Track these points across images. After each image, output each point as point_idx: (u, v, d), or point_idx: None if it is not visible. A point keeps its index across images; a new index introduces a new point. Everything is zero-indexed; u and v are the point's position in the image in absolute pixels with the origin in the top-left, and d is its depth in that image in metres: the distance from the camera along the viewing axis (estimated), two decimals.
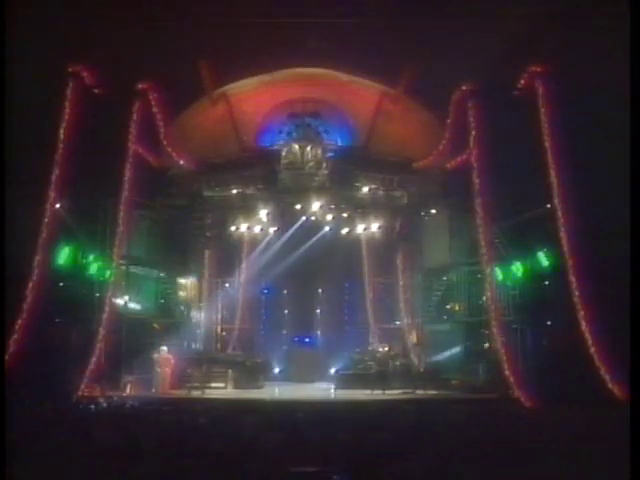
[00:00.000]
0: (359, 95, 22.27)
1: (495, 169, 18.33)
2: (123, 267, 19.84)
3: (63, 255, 19.06)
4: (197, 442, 9.33)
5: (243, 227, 24.05)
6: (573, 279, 17.43)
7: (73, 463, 8.36)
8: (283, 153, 20.93)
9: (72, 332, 18.63)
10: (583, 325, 17.08)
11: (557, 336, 17.96)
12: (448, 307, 22.59)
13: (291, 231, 22.72)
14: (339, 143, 21.82)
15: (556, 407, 13.94)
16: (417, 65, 20.19)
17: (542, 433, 10.26)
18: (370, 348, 23.50)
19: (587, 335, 16.97)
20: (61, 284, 19.10)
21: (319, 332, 24.96)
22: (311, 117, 21.34)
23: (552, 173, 18.17)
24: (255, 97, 22.15)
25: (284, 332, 24.95)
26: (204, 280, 24.41)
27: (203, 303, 24.22)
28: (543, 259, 19.51)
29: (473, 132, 19.31)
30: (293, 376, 22.41)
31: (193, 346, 22.88)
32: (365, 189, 22.02)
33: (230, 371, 20.54)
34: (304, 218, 22.47)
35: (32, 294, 17.57)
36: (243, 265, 24.47)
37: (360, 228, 24.59)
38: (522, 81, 19.10)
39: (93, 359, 17.70)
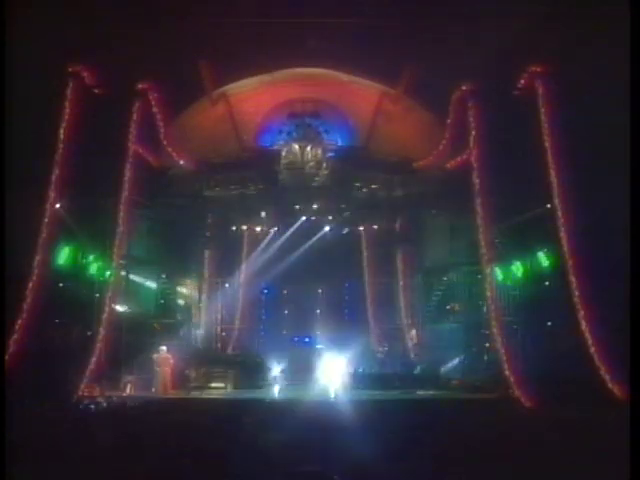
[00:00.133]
0: (359, 95, 22.27)
1: (495, 169, 18.31)
2: (123, 267, 19.83)
3: (63, 255, 19.05)
4: (197, 442, 9.33)
5: (243, 227, 24.11)
6: (573, 279, 17.42)
7: (73, 463, 8.36)
8: (283, 153, 20.93)
9: (72, 332, 18.63)
10: (583, 325, 17.06)
11: (557, 336, 17.94)
12: (448, 307, 22.58)
13: (291, 231, 22.72)
14: (339, 143, 21.83)
15: (556, 407, 13.94)
16: (417, 65, 20.19)
17: (542, 433, 10.26)
18: (370, 348, 23.51)
19: (587, 335, 16.96)
20: (61, 284, 19.08)
21: (319, 332, 24.94)
22: (311, 117, 21.36)
23: (552, 173, 18.15)
24: (255, 97, 22.15)
25: (284, 332, 24.94)
26: (204, 280, 24.42)
27: (203, 303, 24.22)
28: (543, 259, 19.50)
29: (473, 132, 19.30)
30: (293, 376, 22.36)
31: (193, 346, 22.87)
32: (365, 189, 22.01)
33: (230, 371, 20.54)
34: (304, 218, 22.46)
35: (32, 294, 17.55)
36: (243, 265, 24.47)
37: (360, 228, 24.65)
38: (522, 81, 19.08)
39: (93, 359, 17.68)
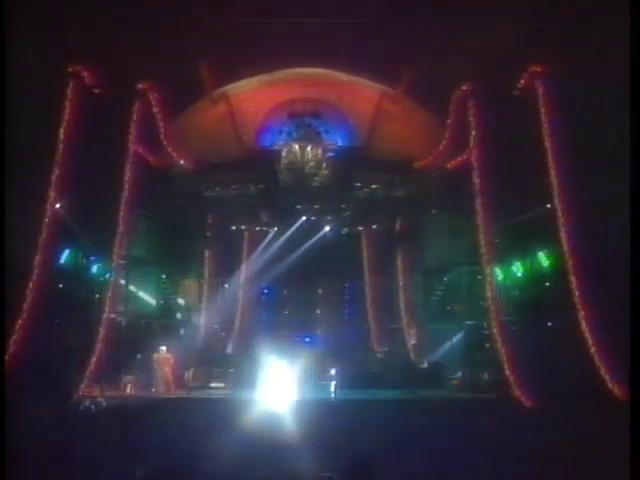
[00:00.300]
0: (359, 95, 22.26)
1: (495, 169, 18.32)
2: (123, 267, 19.82)
3: (63, 255, 19.05)
4: (197, 442, 9.33)
5: (243, 227, 24.08)
6: (573, 279, 17.43)
7: (73, 463, 8.36)
8: (283, 153, 20.91)
9: (72, 332, 18.62)
10: (583, 325, 17.07)
11: (557, 336, 17.94)
12: (448, 307, 22.58)
13: (291, 231, 22.70)
14: (339, 143, 21.80)
15: (556, 407, 13.94)
16: (417, 65, 20.18)
17: (542, 433, 10.26)
18: (370, 348, 23.52)
19: (587, 335, 16.96)
20: (61, 284, 19.10)
21: (319, 332, 24.92)
22: (311, 117, 21.32)
23: (552, 173, 18.16)
24: (255, 97, 22.13)
25: (284, 332, 24.91)
26: (204, 280, 24.39)
27: (203, 303, 24.19)
28: (543, 259, 19.52)
29: (473, 132, 19.31)
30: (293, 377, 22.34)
31: (193, 346, 22.84)
32: (365, 189, 22.00)
33: (230, 371, 20.53)
34: (304, 218, 22.45)
35: (32, 294, 17.57)
36: (243, 265, 24.44)
37: (360, 228, 24.63)
38: (522, 81, 19.09)
39: (93, 359, 17.70)
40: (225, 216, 23.64)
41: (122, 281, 19.96)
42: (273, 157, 21.07)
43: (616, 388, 15.97)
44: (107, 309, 18.40)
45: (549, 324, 18.78)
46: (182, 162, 21.16)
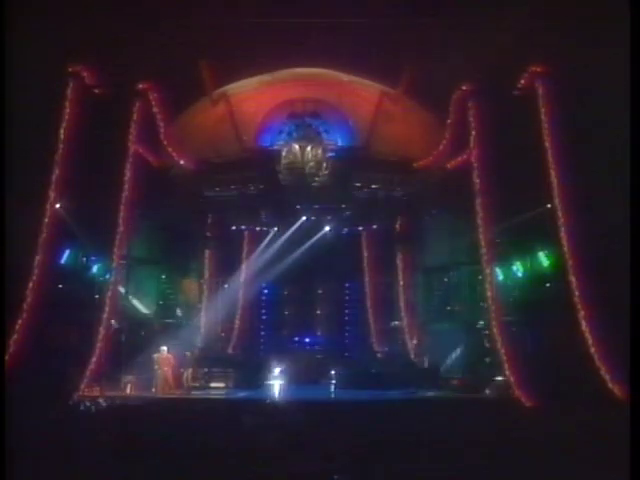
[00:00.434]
0: (359, 95, 22.24)
1: (495, 169, 18.32)
2: (123, 267, 19.83)
3: (63, 255, 19.04)
4: (196, 442, 9.33)
5: (243, 227, 24.09)
6: (573, 279, 17.42)
7: (73, 463, 8.36)
8: (283, 153, 20.90)
9: (72, 332, 18.63)
10: (583, 325, 17.06)
11: (557, 336, 17.93)
12: (448, 307, 22.58)
13: (291, 231, 22.70)
14: (339, 143, 21.78)
15: (556, 407, 13.94)
16: (417, 65, 20.17)
17: (542, 433, 10.26)
18: (370, 348, 23.53)
19: (587, 335, 16.96)
20: (61, 284, 19.10)
21: (319, 332, 24.94)
22: (311, 117, 21.31)
23: (552, 173, 18.15)
24: (255, 97, 22.12)
25: (284, 332, 24.94)
26: (204, 280, 24.40)
27: (203, 303, 24.21)
28: (543, 259, 19.50)
29: (473, 132, 19.31)
30: (293, 376, 22.36)
31: (193, 346, 22.86)
32: (365, 189, 22.00)
33: (230, 371, 20.54)
34: (304, 218, 22.45)
35: (32, 294, 17.56)
36: (243, 265, 24.45)
37: (360, 228, 24.64)
38: (522, 81, 19.08)
39: (93, 359, 17.70)
40: (225, 216, 23.64)
41: (122, 281, 19.96)
42: (273, 157, 21.06)
43: (616, 388, 15.95)
44: (107, 309, 18.40)
45: (549, 324, 18.76)
46: (182, 162, 21.16)
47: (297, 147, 20.85)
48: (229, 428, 10.47)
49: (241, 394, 19.09)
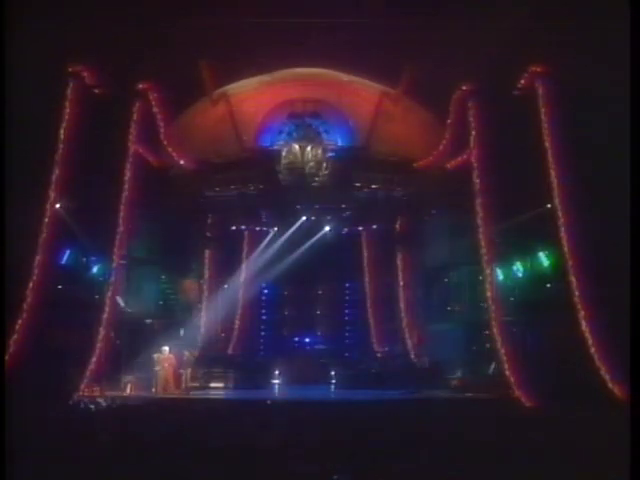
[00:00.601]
0: (359, 95, 22.24)
1: (495, 169, 18.32)
2: (123, 267, 19.82)
3: (63, 255, 19.04)
4: (196, 442, 9.33)
5: (243, 227, 24.10)
6: (573, 279, 17.42)
7: (73, 463, 8.36)
8: (283, 153, 20.92)
9: (72, 332, 18.63)
10: (583, 325, 17.06)
11: (557, 336, 17.94)
12: (448, 307, 22.59)
13: (291, 231, 22.71)
14: (339, 143, 21.79)
15: (556, 407, 13.94)
16: (417, 65, 20.17)
17: (542, 433, 10.26)
18: (371, 348, 23.54)
19: (587, 335, 16.96)
20: (61, 284, 19.10)
21: (319, 332, 24.95)
22: (311, 117, 21.32)
23: (552, 173, 18.16)
24: (255, 97, 22.12)
25: (284, 332, 24.94)
26: (204, 280, 24.41)
27: (203, 303, 24.21)
28: (543, 259, 19.50)
29: (473, 132, 19.31)
30: (293, 376, 22.38)
31: (193, 346, 22.86)
32: (365, 189, 22.00)
33: (230, 371, 20.55)
34: (304, 218, 22.46)
35: (32, 294, 17.56)
36: (243, 265, 24.46)
37: (360, 228, 24.65)
38: (522, 81, 19.09)
39: (93, 359, 17.71)
40: (225, 216, 23.64)
41: (122, 281, 19.96)
42: (273, 157, 21.07)
43: (616, 388, 15.96)
44: (107, 309, 18.40)
45: (549, 324, 18.76)
46: (182, 162, 21.17)
47: (297, 147, 20.86)
48: (229, 428, 10.47)
49: (241, 394, 19.11)
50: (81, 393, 16.94)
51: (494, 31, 17.87)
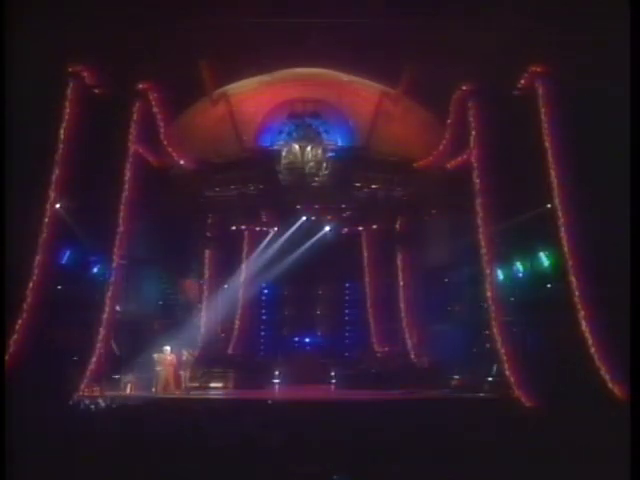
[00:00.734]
0: (359, 95, 22.24)
1: (495, 169, 18.32)
2: (123, 267, 19.81)
3: (63, 255, 19.05)
4: (196, 442, 9.33)
5: (243, 227, 24.09)
6: (573, 279, 17.43)
7: (73, 463, 8.36)
8: (283, 153, 20.92)
9: (72, 332, 18.63)
10: (583, 325, 17.07)
11: (557, 336, 17.95)
12: (448, 307, 22.58)
13: (291, 231, 22.71)
14: (339, 143, 21.80)
15: (556, 407, 13.94)
16: (417, 65, 20.17)
17: (542, 433, 10.26)
18: (371, 348, 23.53)
19: (587, 335, 16.96)
20: (61, 284, 19.11)
21: (319, 332, 24.94)
22: (311, 117, 21.33)
23: (552, 173, 18.16)
24: (255, 97, 22.13)
25: (284, 332, 24.93)
26: (204, 280, 24.40)
27: (203, 303, 24.20)
28: (543, 259, 19.51)
29: (473, 132, 19.31)
30: (293, 376, 22.37)
31: (193, 346, 22.86)
32: (365, 189, 22.01)
33: (230, 371, 20.55)
34: (304, 218, 22.46)
35: (32, 294, 17.57)
36: (243, 265, 24.45)
37: (360, 228, 24.64)
38: (522, 81, 19.09)
39: (93, 359, 17.71)
40: (225, 216, 23.64)
41: (122, 281, 19.95)
42: (273, 157, 21.08)
43: (616, 388, 15.96)
44: (107, 309, 18.40)
45: (549, 324, 18.78)
46: (182, 162, 21.18)
47: (297, 147, 20.87)
48: (229, 428, 10.47)
49: (241, 394, 19.11)
50: (81, 393, 16.94)
51: (494, 31, 17.88)
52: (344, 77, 21.88)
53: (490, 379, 18.73)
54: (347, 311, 25.29)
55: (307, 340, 24.70)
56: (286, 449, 8.88)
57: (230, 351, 23.58)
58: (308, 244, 22.70)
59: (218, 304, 24.03)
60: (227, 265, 24.41)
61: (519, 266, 20.60)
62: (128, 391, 18.35)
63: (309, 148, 20.84)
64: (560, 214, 17.92)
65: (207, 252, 24.47)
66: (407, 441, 9.38)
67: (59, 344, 18.17)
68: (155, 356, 18.69)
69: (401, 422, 11.30)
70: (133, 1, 18.23)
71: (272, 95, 22.02)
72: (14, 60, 15.92)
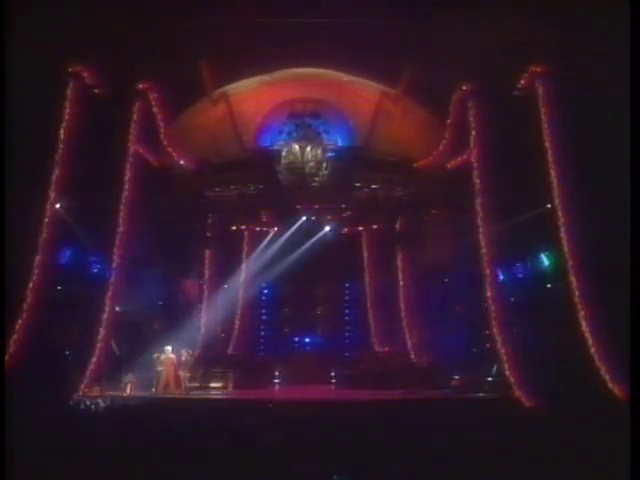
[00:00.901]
0: (359, 95, 22.24)
1: (495, 169, 18.32)
2: (123, 267, 19.80)
3: (63, 255, 19.04)
4: (197, 442, 9.33)
5: (243, 227, 24.09)
6: (573, 279, 17.42)
7: (73, 463, 8.37)
8: (283, 153, 20.93)
9: (72, 332, 18.63)
10: (583, 325, 17.07)
11: (557, 336, 17.94)
12: (448, 307, 22.57)
13: (291, 231, 22.71)
14: (339, 143, 21.80)
15: (556, 407, 13.94)
16: (417, 65, 20.18)
17: (542, 433, 10.27)
18: (371, 348, 23.53)
19: (587, 335, 16.96)
20: (61, 284, 19.10)
21: (319, 332, 24.93)
22: (311, 117, 21.34)
23: (552, 173, 18.16)
24: (255, 97, 22.13)
25: (284, 332, 24.93)
26: (204, 280, 24.39)
27: (203, 303, 24.19)
28: (543, 259, 19.50)
29: (473, 132, 19.31)
30: (293, 376, 22.38)
31: (193, 346, 22.85)
32: (365, 189, 22.01)
33: (230, 371, 20.55)
34: (304, 218, 22.46)
35: (32, 294, 17.56)
36: (243, 265, 24.45)
37: (360, 228, 24.64)
38: (522, 81, 19.09)
39: (93, 359, 17.71)
40: (225, 216, 23.64)
41: (122, 281, 19.94)
42: (273, 157, 21.09)
43: (616, 388, 15.96)
44: (107, 309, 18.40)
45: (549, 324, 18.77)
46: (182, 162, 21.18)
47: (297, 147, 20.89)
48: (229, 428, 10.47)
49: (241, 394, 19.10)
50: (81, 393, 16.94)
51: (494, 31, 17.87)
52: (344, 77, 21.89)
53: (490, 379, 18.72)
54: (347, 311, 25.28)
55: (307, 340, 24.69)
56: (286, 449, 8.89)
57: (230, 351, 23.57)
58: (308, 244, 22.70)
59: (218, 304, 24.02)
60: (227, 265, 24.40)
61: (519, 266, 20.58)
62: (128, 391, 18.34)
63: (309, 148, 20.86)
64: (560, 214, 17.91)
65: (207, 252, 24.46)
66: (407, 441, 9.39)
67: (59, 344, 18.18)
68: (156, 356, 18.68)
69: (401, 422, 11.31)
70: (133, 1, 18.23)
71: (272, 95, 22.03)
72: (14, 60, 15.92)
